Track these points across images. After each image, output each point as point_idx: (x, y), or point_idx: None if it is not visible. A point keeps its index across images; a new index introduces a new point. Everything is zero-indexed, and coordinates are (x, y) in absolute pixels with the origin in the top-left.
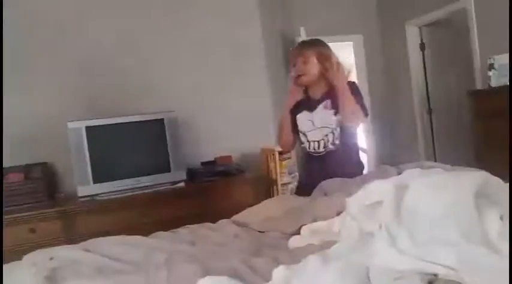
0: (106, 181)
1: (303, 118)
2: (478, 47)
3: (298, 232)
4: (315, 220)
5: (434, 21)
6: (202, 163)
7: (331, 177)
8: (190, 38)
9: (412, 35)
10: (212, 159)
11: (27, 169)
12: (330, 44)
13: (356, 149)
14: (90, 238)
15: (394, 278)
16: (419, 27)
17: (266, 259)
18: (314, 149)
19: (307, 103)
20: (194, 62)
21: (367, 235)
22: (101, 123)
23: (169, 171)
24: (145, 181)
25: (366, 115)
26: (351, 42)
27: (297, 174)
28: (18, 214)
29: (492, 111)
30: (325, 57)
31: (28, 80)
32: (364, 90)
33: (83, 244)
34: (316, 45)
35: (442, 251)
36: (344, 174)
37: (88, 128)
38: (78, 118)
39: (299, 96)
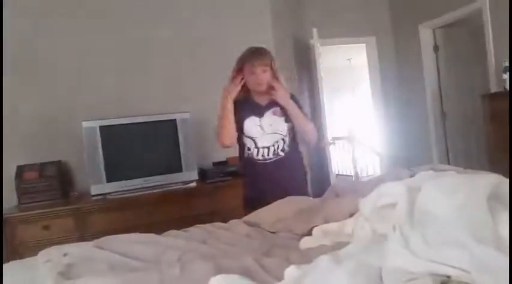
0: (119, 180)
1: (251, 123)
2: (493, 49)
3: (309, 233)
4: (326, 222)
5: (448, 23)
6: (214, 164)
7: (278, 185)
8: (202, 38)
9: (426, 37)
10: (224, 159)
11: (42, 167)
12: (342, 46)
13: (301, 156)
14: (103, 235)
15: (407, 280)
16: (433, 29)
17: (277, 259)
18: (263, 156)
19: (254, 109)
20: (206, 63)
21: (380, 237)
22: (115, 123)
23: (181, 171)
24: (157, 180)
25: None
26: (364, 44)
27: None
28: (33, 211)
29: (506, 114)
30: (275, 69)
31: (44, 79)
32: (377, 91)
33: (96, 241)
34: (270, 55)
35: (454, 253)
36: (291, 180)
37: (102, 128)
38: (93, 118)
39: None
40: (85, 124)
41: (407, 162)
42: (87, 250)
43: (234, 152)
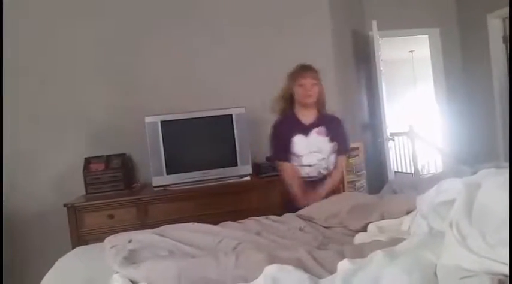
0: (178, 173)
1: (298, 141)
2: None
3: (364, 230)
4: (383, 218)
5: None
6: (267, 159)
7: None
8: (259, 34)
9: (495, 27)
10: None
11: (107, 159)
12: (403, 38)
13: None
14: (163, 224)
15: (462, 277)
16: (503, 19)
17: (331, 253)
18: (307, 173)
19: (300, 128)
20: (264, 59)
21: (437, 233)
22: (175, 118)
23: (236, 165)
24: (214, 173)
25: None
26: (426, 36)
27: (364, 172)
28: (99, 201)
29: None
30: (321, 87)
31: (110, 79)
32: (440, 85)
33: (157, 229)
34: (318, 73)
35: None
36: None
37: (163, 122)
38: (155, 113)
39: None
40: (147, 119)
41: (471, 159)
42: (149, 237)
43: None
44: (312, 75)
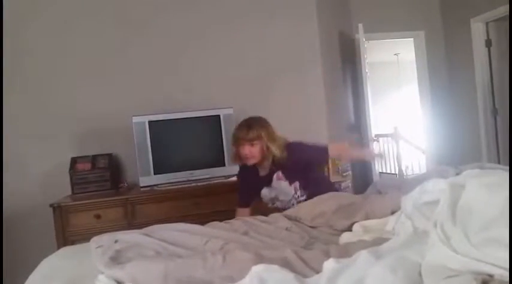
0: (166, 173)
1: (265, 193)
2: None
3: (349, 229)
4: (367, 218)
5: (503, 16)
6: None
7: None
8: (247, 35)
9: (478, 31)
10: None
11: (94, 159)
12: (388, 40)
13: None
14: (150, 225)
15: (446, 276)
16: (486, 23)
17: (317, 252)
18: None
19: (263, 180)
20: (251, 60)
21: (421, 233)
22: (163, 118)
23: (224, 165)
24: (201, 174)
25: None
26: (411, 39)
27: (349, 172)
28: (85, 201)
29: None
30: (267, 137)
31: (97, 79)
32: (424, 87)
33: (144, 229)
34: (259, 127)
35: (498, 251)
36: None
37: (151, 122)
38: (142, 113)
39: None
40: (135, 119)
41: (455, 160)
42: (136, 237)
43: None
44: (249, 137)
